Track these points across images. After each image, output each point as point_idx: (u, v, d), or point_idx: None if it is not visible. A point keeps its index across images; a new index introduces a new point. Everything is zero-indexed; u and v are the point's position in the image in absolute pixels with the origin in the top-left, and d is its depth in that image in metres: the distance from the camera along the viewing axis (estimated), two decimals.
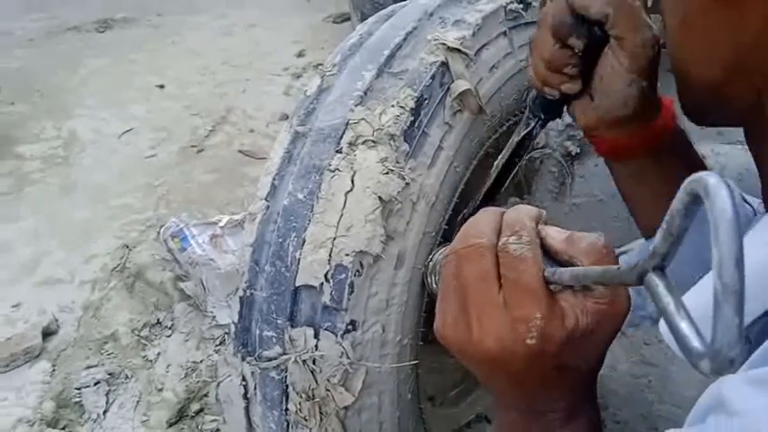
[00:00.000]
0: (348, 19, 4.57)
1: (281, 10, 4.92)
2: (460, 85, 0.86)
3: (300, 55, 4.04)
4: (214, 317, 1.98)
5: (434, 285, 0.82)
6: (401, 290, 0.82)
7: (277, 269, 0.80)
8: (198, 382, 1.81)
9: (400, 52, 0.89)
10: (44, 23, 4.74)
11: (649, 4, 0.90)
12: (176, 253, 2.04)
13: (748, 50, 0.50)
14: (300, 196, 0.81)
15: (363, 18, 3.12)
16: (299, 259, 0.78)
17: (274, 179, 0.85)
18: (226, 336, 1.96)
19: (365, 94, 0.84)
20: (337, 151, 0.81)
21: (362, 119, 0.82)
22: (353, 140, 0.81)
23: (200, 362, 1.90)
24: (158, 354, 1.92)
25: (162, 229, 2.09)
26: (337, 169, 0.80)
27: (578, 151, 0.98)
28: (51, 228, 2.49)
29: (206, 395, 1.77)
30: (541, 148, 1.03)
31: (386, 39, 0.91)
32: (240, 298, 0.85)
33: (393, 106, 0.82)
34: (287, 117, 2.95)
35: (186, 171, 2.84)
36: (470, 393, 1.30)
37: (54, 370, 1.86)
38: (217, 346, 1.94)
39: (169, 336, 1.98)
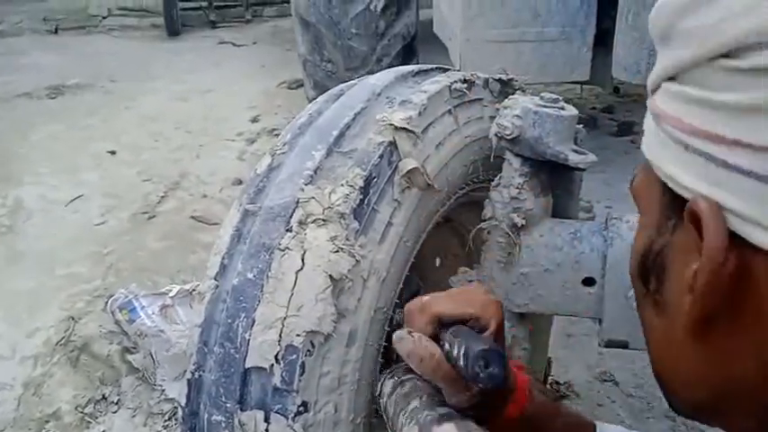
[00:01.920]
0: (302, 85, 4.65)
1: (236, 76, 5.00)
2: (408, 164, 0.88)
3: (255, 120, 4.09)
4: (163, 390, 1.92)
5: (386, 409, 0.79)
6: (353, 367, 0.82)
7: (226, 350, 0.79)
8: None
9: (349, 132, 0.91)
10: None
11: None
12: (124, 325, 1.98)
13: (740, 381, 0.42)
14: (250, 276, 0.80)
15: (316, 86, 3.20)
16: (248, 340, 0.77)
17: (224, 258, 0.85)
18: (176, 409, 1.89)
19: (315, 173, 0.86)
20: (287, 230, 0.81)
21: (312, 198, 0.83)
22: (303, 219, 0.81)
23: None
24: (103, 431, 1.84)
25: (110, 301, 2.03)
26: (287, 248, 0.80)
27: (523, 223, 1.01)
28: None
29: None
30: (489, 219, 1.06)
31: (335, 119, 0.93)
32: (188, 380, 0.83)
33: (342, 185, 0.83)
34: (240, 182, 2.96)
35: (137, 238, 2.79)
36: None
37: None
38: (165, 421, 1.87)
39: (115, 412, 1.90)
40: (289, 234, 0.81)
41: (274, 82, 4.79)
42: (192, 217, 2.95)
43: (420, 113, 0.94)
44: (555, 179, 1.04)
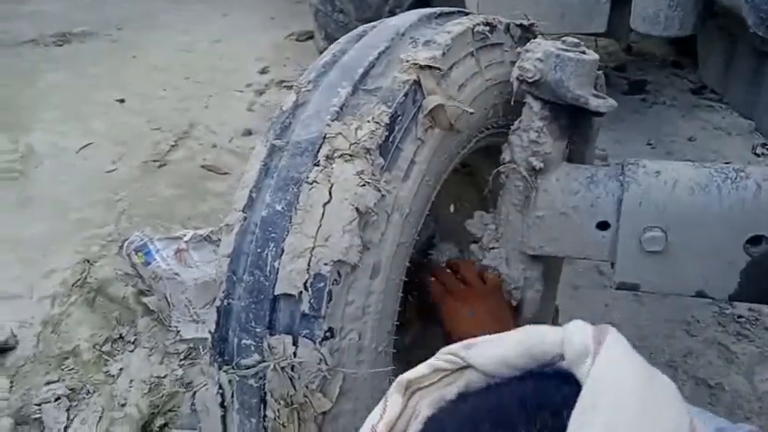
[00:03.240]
0: (311, 37, 4.60)
1: (245, 27, 4.94)
2: (432, 101, 0.90)
3: (263, 72, 4.06)
4: (178, 331, 1.97)
5: None
6: (376, 298, 0.85)
7: (255, 278, 0.82)
8: (162, 396, 1.80)
9: (374, 71, 0.93)
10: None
11: None
12: (140, 267, 2.02)
13: None
14: (279, 208, 0.83)
15: (327, 37, 3.17)
16: (277, 269, 0.81)
17: (251, 191, 0.87)
18: (191, 350, 1.95)
19: (341, 109, 0.88)
20: (315, 164, 0.84)
21: (339, 133, 0.85)
22: (330, 154, 0.84)
23: (164, 377, 1.88)
24: (121, 369, 1.90)
25: (125, 244, 2.07)
26: (315, 181, 0.82)
27: (542, 166, 1.03)
28: (8, 242, 2.43)
29: (170, 410, 1.75)
30: (507, 162, 1.08)
31: (359, 58, 0.94)
32: (217, 308, 0.87)
33: (368, 122, 0.85)
34: (250, 133, 2.96)
35: (148, 186, 2.81)
36: None
37: (12, 386, 1.82)
38: (181, 360, 1.92)
39: (132, 351, 1.96)
40: (316, 168, 0.83)
41: (283, 33, 4.74)
42: (203, 166, 2.97)
43: (444, 54, 0.95)
44: (573, 124, 1.06)
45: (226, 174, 2.91)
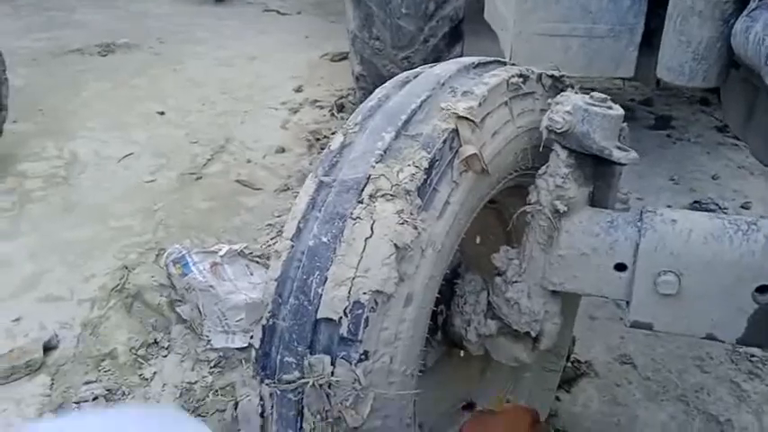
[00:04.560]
0: (345, 58, 4.73)
1: (281, 45, 5.09)
2: (468, 150, 0.99)
3: (298, 90, 4.19)
4: (209, 340, 2.07)
5: None
6: (408, 326, 0.93)
7: (300, 302, 0.91)
8: (193, 401, 1.89)
9: (415, 117, 1.02)
10: (46, 44, 4.85)
11: None
12: (175, 278, 2.13)
13: None
14: (324, 239, 0.92)
15: (363, 62, 3.28)
16: (321, 295, 0.90)
17: (300, 222, 0.97)
18: (220, 358, 2.04)
19: (385, 152, 0.97)
20: (359, 202, 0.93)
21: (382, 175, 0.94)
22: (374, 193, 0.93)
23: (195, 383, 1.97)
24: (154, 373, 2.00)
25: (164, 255, 2.18)
26: (359, 217, 0.91)
27: (566, 210, 1.11)
28: (52, 246, 2.56)
29: (200, 415, 1.84)
30: (533, 203, 1.16)
31: (403, 104, 1.04)
32: (263, 326, 0.96)
33: (409, 165, 0.94)
34: (283, 150, 3.08)
35: (184, 197, 2.94)
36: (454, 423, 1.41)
37: (53, 384, 1.93)
38: (211, 368, 2.02)
39: (165, 356, 2.06)
40: (360, 205, 0.92)
41: (318, 53, 4.88)
42: (237, 180, 3.08)
43: (480, 104, 1.04)
44: (597, 171, 1.14)
45: (259, 189, 3.02)
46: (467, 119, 1.00)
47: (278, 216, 2.78)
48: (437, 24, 3.02)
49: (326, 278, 0.90)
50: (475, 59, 1.19)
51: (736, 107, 1.71)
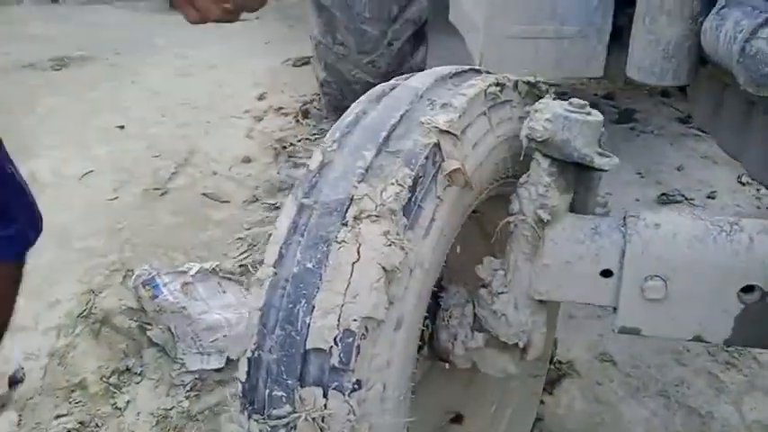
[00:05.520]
0: (307, 63, 4.68)
1: (241, 52, 5.00)
2: (451, 164, 0.96)
3: (261, 98, 4.12)
4: (184, 363, 2.01)
5: None
6: (399, 350, 0.90)
7: (287, 333, 0.87)
8: (170, 429, 1.83)
9: (395, 133, 0.99)
10: None
11: None
12: (145, 301, 2.06)
13: None
14: (309, 265, 0.89)
15: (327, 68, 3.24)
16: (308, 324, 0.86)
17: (281, 248, 0.93)
18: (196, 381, 1.98)
19: (366, 171, 0.94)
20: (343, 224, 0.90)
21: (366, 195, 0.91)
22: (358, 215, 0.89)
23: (171, 409, 1.91)
24: (128, 401, 1.93)
25: (133, 277, 2.11)
26: (344, 241, 0.88)
27: (549, 218, 1.09)
28: None
29: None
30: (516, 213, 1.14)
31: (382, 120, 1.01)
32: (248, 359, 0.92)
33: (393, 184, 0.91)
34: (249, 160, 3.00)
35: (150, 214, 2.86)
36: None
37: (21, 420, 1.85)
38: (187, 392, 1.96)
39: (138, 382, 1.99)
40: (345, 228, 0.89)
41: (279, 59, 4.81)
42: (203, 194, 3.01)
43: (460, 116, 1.01)
44: (578, 177, 1.12)
45: (226, 202, 2.96)
46: (448, 132, 0.98)
47: (247, 229, 2.73)
48: (401, 27, 2.99)
49: (314, 306, 0.86)
50: (451, 69, 1.17)
51: (703, 103, 1.73)
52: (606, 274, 1.10)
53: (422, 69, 3.36)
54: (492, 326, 1.18)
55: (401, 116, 1.01)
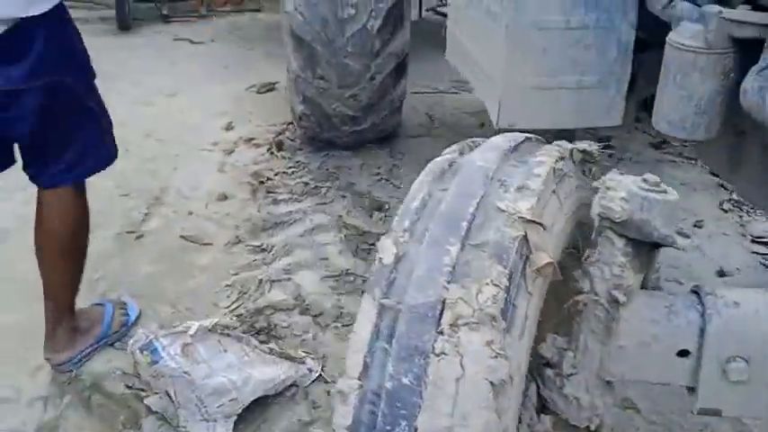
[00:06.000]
0: (272, 89, 4.57)
1: (200, 78, 4.84)
2: (542, 258, 0.90)
3: (229, 128, 3.98)
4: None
5: None
6: None
7: None
8: None
9: (475, 222, 0.92)
10: None
11: None
12: (142, 367, 1.92)
13: None
14: (405, 381, 0.81)
15: (305, 100, 3.14)
16: None
17: (365, 357, 0.85)
18: None
19: (454, 269, 0.87)
20: (439, 333, 0.82)
21: (460, 298, 0.84)
22: (455, 322, 0.82)
23: None
24: None
25: (130, 342, 1.96)
26: (443, 353, 0.81)
27: (625, 300, 1.05)
28: None
29: None
30: (587, 293, 1.09)
31: (457, 207, 0.94)
32: None
33: (488, 284, 0.85)
34: (225, 197, 2.87)
35: (127, 262, 2.69)
36: None
37: None
38: None
39: None
40: (442, 337, 0.82)
41: (241, 85, 4.67)
42: (182, 236, 2.87)
43: (538, 199, 0.96)
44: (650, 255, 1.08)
45: (208, 244, 2.82)
46: (534, 222, 0.92)
47: (234, 274, 2.60)
48: (383, 61, 2.94)
49: (416, 428, 0.79)
50: (509, 141, 1.11)
51: (719, 151, 1.73)
52: (683, 353, 1.06)
53: (402, 101, 3.29)
54: (562, 409, 1.12)
55: (478, 203, 0.94)
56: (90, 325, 2.18)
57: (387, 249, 0.93)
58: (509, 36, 1.62)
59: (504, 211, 0.93)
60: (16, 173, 2.03)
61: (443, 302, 0.84)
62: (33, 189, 2.09)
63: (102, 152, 2.05)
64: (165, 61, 5.31)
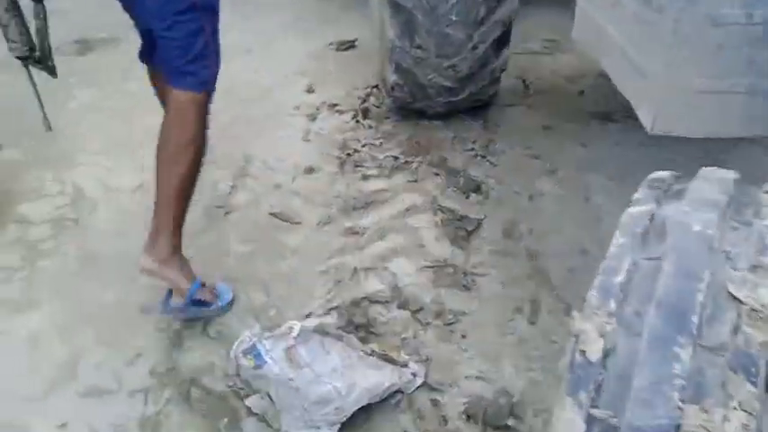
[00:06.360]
0: (352, 47, 4.37)
1: (274, 33, 4.66)
2: None
3: (310, 90, 3.82)
4: None
5: None
6: None
7: None
8: None
9: (705, 312, 0.76)
10: None
11: None
12: (246, 370, 1.85)
13: None
14: None
15: (398, 69, 2.94)
16: None
17: None
18: None
19: (687, 381, 0.71)
20: None
21: (701, 426, 0.68)
22: None
23: None
24: None
25: (234, 345, 1.89)
26: None
27: None
28: (80, 315, 2.25)
29: None
30: None
31: (682, 294, 0.77)
32: None
33: (736, 408, 0.69)
34: (312, 170, 2.72)
35: (218, 239, 2.62)
36: None
37: None
38: None
39: None
40: None
41: (317, 41, 4.47)
42: (271, 213, 2.77)
43: None
44: None
45: (298, 223, 2.72)
46: None
47: (328, 258, 2.49)
48: (488, 30, 2.70)
49: None
50: (721, 189, 0.92)
51: None
52: None
53: (503, 70, 3.02)
54: None
55: (707, 288, 0.77)
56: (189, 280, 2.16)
57: (592, 341, 0.78)
58: (677, 31, 1.39)
59: (742, 303, 0.76)
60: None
61: (678, 428, 0.69)
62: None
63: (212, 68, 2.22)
64: (238, 16, 5.12)
